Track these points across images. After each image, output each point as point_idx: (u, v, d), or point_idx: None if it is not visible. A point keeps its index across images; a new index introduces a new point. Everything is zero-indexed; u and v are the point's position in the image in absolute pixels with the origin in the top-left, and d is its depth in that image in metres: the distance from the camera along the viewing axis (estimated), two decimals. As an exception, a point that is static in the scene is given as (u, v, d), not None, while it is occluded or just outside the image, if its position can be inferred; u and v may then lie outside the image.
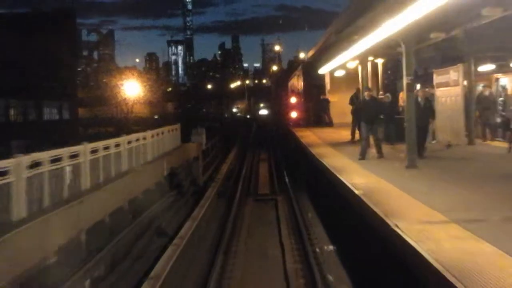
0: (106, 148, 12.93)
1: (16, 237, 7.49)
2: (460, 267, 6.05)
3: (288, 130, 39.19)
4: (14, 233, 7.45)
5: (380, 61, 25.73)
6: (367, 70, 25.27)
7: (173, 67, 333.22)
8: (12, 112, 53.12)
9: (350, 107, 23.47)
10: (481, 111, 19.81)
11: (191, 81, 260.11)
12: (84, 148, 11.29)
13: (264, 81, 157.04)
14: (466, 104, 18.64)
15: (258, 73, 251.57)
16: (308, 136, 28.14)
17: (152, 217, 14.69)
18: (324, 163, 16.40)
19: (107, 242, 11.14)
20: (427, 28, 15.25)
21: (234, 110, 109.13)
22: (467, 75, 19.16)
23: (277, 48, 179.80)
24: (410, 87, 14.86)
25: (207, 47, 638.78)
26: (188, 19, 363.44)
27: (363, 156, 16.41)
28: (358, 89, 24.29)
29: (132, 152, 15.23)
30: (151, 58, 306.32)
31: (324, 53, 29.79)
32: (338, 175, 13.69)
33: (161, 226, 14.98)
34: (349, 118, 23.17)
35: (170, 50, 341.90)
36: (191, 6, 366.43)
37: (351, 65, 25.91)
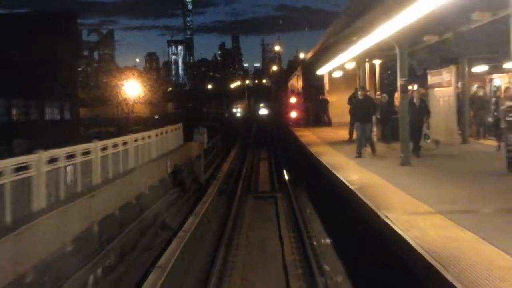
0: (115, 146, 13.63)
1: (38, 225, 8.18)
2: (441, 251, 6.73)
3: (288, 130, 39.82)
4: (36, 222, 8.14)
5: (377, 62, 26.38)
6: (365, 71, 25.94)
7: (173, 67, 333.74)
8: (14, 112, 53.68)
9: (348, 107, 24.09)
10: (475, 111, 20.45)
11: (191, 81, 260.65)
12: (95, 146, 12.00)
13: (264, 81, 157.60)
14: (459, 104, 19.30)
15: (258, 73, 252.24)
16: (307, 135, 28.82)
17: (157, 212, 15.39)
18: (322, 161, 17.08)
19: (117, 234, 11.84)
20: (420, 31, 15.88)
21: (234, 110, 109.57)
22: (460, 76, 19.84)
23: (277, 48, 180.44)
24: (404, 88, 15.55)
25: (207, 47, 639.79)
26: (188, 19, 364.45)
27: (359, 154, 17.08)
28: (356, 89, 24.90)
29: (138, 150, 15.93)
30: (151, 58, 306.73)
31: (323, 54, 30.43)
32: (334, 172, 14.38)
33: (166, 220, 15.68)
34: (347, 118, 23.75)
35: (170, 50, 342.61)
36: (191, 6, 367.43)
37: (349, 66, 26.54)
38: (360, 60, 24.05)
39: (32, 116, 55.81)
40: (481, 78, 22.45)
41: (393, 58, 25.93)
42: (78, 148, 11.06)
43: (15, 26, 53.71)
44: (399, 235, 7.81)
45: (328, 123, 34.71)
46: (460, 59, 20.00)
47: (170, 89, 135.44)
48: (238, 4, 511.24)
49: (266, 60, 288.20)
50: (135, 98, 58.66)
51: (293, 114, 44.85)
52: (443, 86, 19.27)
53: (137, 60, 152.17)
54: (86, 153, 11.47)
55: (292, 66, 78.22)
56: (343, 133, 24.45)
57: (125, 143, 14.55)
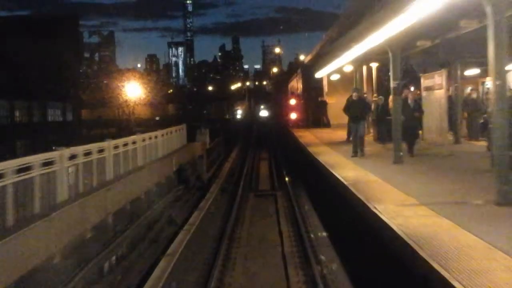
0: (125, 145, 14.59)
1: (64, 213, 9.13)
2: (419, 235, 7.68)
3: (288, 131, 40.72)
4: (62, 210, 9.09)
5: (374, 65, 27.29)
6: (362, 74, 26.91)
7: (174, 68, 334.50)
8: (17, 113, 54.43)
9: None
10: (469, 113, 21.35)
11: (191, 82, 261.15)
12: (109, 144, 12.96)
13: (264, 82, 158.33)
14: (450, 106, 20.23)
15: (259, 75, 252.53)
16: (307, 136, 29.77)
17: (164, 207, 16.35)
18: (320, 160, 18.04)
19: (129, 225, 12.80)
20: (412, 37, 16.79)
21: (235, 112, 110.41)
22: (453, 79, 20.77)
23: (277, 50, 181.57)
24: (397, 91, 16.49)
25: (208, 49, 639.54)
26: (188, 20, 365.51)
27: (355, 153, 18.01)
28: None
29: (146, 149, 16.89)
30: (151, 59, 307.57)
31: (321, 58, 31.36)
32: (331, 170, 15.34)
33: (172, 215, 16.63)
34: (345, 119, 24.60)
35: (170, 51, 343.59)
36: (191, 8, 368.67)
37: (347, 68, 27.45)
38: (357, 63, 25.00)
39: (35, 117, 56.57)
40: (474, 81, 23.40)
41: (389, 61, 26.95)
42: (94, 146, 12.03)
43: (18, 29, 54.39)
44: (385, 223, 8.76)
45: (327, 125, 35.58)
46: (452, 63, 20.91)
47: (171, 90, 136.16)
48: (238, 5, 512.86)
49: (267, 62, 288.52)
50: (136, 100, 59.01)
51: (293, 116, 45.75)
52: (435, 89, 20.20)
53: (139, 65, 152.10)
54: (100, 151, 12.43)
55: (293, 68, 78.99)
56: (341, 134, 25.32)
57: (134, 143, 15.51)
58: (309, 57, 44.26)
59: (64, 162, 9.97)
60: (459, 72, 21.26)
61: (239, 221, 17.65)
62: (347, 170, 14.99)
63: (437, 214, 8.98)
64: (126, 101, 59.40)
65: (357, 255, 11.18)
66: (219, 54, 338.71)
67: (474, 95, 22.08)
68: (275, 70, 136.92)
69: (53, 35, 54.84)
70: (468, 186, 11.56)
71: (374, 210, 9.64)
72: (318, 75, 35.21)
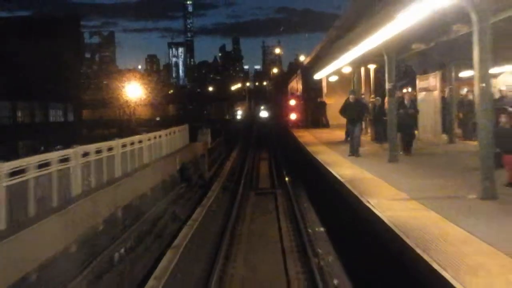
0: (132, 144, 15.29)
1: (77, 208, 9.82)
2: (407, 225, 8.37)
3: (288, 131, 41.39)
4: (75, 205, 9.78)
5: (372, 67, 27.96)
6: (360, 76, 27.60)
7: (174, 69, 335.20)
8: (19, 113, 54.99)
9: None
10: (464, 113, 21.99)
11: (191, 83, 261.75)
12: (117, 143, 13.66)
13: (264, 83, 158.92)
14: (445, 107, 20.92)
15: (259, 75, 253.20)
16: (306, 136, 30.48)
17: (168, 202, 17.06)
18: (318, 159, 18.75)
19: (137, 219, 13.51)
20: (406, 40, 17.44)
21: (235, 112, 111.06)
22: (448, 80, 21.45)
23: (277, 51, 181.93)
24: (391, 93, 17.18)
25: (208, 49, 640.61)
26: (189, 21, 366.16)
27: (352, 152, 18.68)
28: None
29: (151, 148, 17.60)
30: (151, 60, 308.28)
31: (320, 59, 32.05)
32: (328, 168, 16.03)
33: (175, 211, 17.34)
34: (344, 120, 25.18)
35: (171, 52, 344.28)
36: (192, 9, 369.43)
37: (346, 70, 28.14)
38: (355, 65, 25.69)
39: (37, 117, 57.14)
40: (469, 83, 24.04)
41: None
42: (104, 144, 12.74)
43: (20, 29, 54.89)
44: (377, 215, 9.45)
45: (326, 125, 36.24)
46: (447, 65, 21.58)
47: (172, 91, 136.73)
48: (238, 6, 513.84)
49: (267, 62, 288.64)
50: (136, 100, 59.41)
51: (293, 116, 46.44)
52: (429, 90, 20.89)
53: (139, 67, 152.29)
54: (109, 149, 13.12)
55: (292, 68, 79.57)
56: (340, 134, 25.98)
57: (140, 142, 16.22)
58: (308, 59, 44.99)
59: (78, 159, 10.66)
60: (453, 74, 21.93)
61: (240, 217, 18.31)
62: (344, 168, 15.67)
63: (425, 207, 9.66)
64: (126, 101, 59.77)
65: (352, 246, 11.86)
66: (219, 54, 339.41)
67: (471, 96, 22.70)
68: (275, 70, 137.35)
69: (54, 35, 55.21)
70: (457, 182, 12.22)
71: (368, 205, 10.33)
72: (317, 76, 35.91)
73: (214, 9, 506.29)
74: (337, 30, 23.41)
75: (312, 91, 42.22)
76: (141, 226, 13.61)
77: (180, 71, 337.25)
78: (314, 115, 40.12)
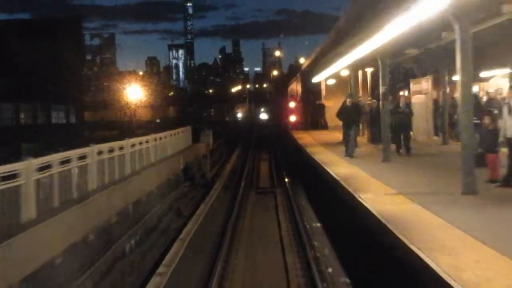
0: (140, 143, 16.28)
1: (94, 201, 10.77)
2: (393, 216, 9.31)
3: (287, 133, 42.33)
4: (92, 198, 10.73)
5: (369, 70, 28.89)
6: (357, 79, 28.55)
7: (174, 71, 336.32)
8: (22, 115, 55.79)
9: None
10: (459, 115, 22.84)
11: (191, 85, 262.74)
12: (127, 143, 14.64)
13: (265, 85, 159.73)
14: (436, 109, 21.87)
15: (259, 77, 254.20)
16: (305, 137, 31.46)
17: (174, 200, 18.04)
18: (316, 159, 19.72)
19: (145, 214, 14.49)
20: (400, 46, 18.36)
21: (235, 114, 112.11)
22: (442, 84, 22.40)
23: (277, 53, 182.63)
24: (385, 96, 18.12)
25: (208, 51, 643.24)
26: (189, 23, 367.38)
27: (347, 153, 19.60)
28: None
29: (157, 148, 18.59)
30: (152, 62, 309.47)
31: (319, 63, 32.99)
32: (325, 167, 17.00)
33: (180, 208, 18.33)
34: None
35: (171, 54, 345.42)
36: (192, 11, 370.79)
37: (344, 73, 29.08)
38: (352, 69, 26.65)
39: (39, 119, 57.95)
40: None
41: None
42: (117, 144, 13.72)
43: (22, 32, 55.64)
44: (367, 208, 10.40)
45: (325, 127, 37.23)
46: (440, 70, 22.50)
47: (172, 93, 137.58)
48: (238, 8, 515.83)
49: (267, 64, 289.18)
50: (137, 102, 60.03)
51: (292, 118, 47.45)
52: (422, 93, 21.85)
53: (140, 72, 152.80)
54: (120, 148, 14.10)
55: (292, 71, 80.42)
56: (338, 136, 26.79)
57: (147, 142, 17.21)
58: (307, 62, 45.94)
59: (94, 157, 11.63)
60: (447, 77, 22.86)
61: (242, 214, 19.24)
62: (340, 168, 16.62)
63: (411, 201, 10.62)
64: (127, 103, 60.34)
65: (346, 237, 12.81)
66: (220, 56, 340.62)
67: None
68: (275, 72, 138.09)
69: (56, 37, 55.98)
70: (444, 180, 13.13)
71: (359, 199, 11.28)
72: (316, 79, 36.86)
73: (214, 11, 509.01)
74: (335, 34, 24.32)
75: (311, 93, 43.26)
76: (150, 220, 14.60)
77: (180, 73, 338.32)
78: (313, 117, 41.13)
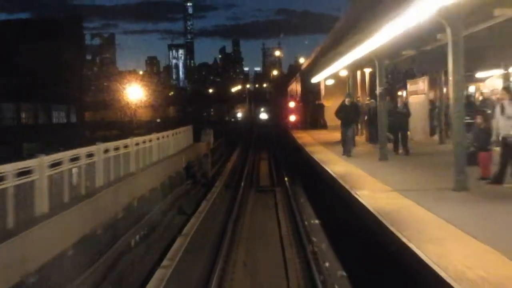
0: (143, 142, 16.76)
1: (101, 196, 11.27)
2: (386, 210, 9.78)
3: (287, 132, 42.76)
4: (99, 195, 11.22)
5: (367, 70, 29.34)
6: (355, 79, 29.02)
7: (174, 71, 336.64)
8: (23, 115, 56.23)
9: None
10: (450, 115, 23.30)
11: (191, 85, 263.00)
12: (131, 141, 15.13)
13: (265, 85, 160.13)
14: (434, 110, 22.32)
15: (259, 77, 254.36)
16: (304, 137, 31.91)
17: (176, 196, 18.54)
18: (315, 157, 20.18)
19: (149, 209, 14.99)
20: (396, 47, 18.83)
21: (235, 114, 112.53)
22: (438, 84, 22.84)
23: (277, 53, 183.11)
24: (382, 96, 18.56)
25: (208, 51, 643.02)
26: (189, 23, 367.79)
27: (345, 152, 20.04)
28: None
29: (160, 146, 19.08)
30: (151, 62, 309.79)
31: (318, 63, 33.45)
32: (323, 166, 17.46)
33: (182, 205, 18.84)
34: (341, 121, 26.56)
35: (171, 54, 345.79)
36: (192, 10, 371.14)
37: (343, 73, 29.52)
38: (350, 69, 27.12)
39: (40, 119, 58.40)
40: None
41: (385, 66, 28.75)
42: (121, 142, 14.22)
43: (23, 32, 56.07)
44: (362, 204, 10.87)
45: (324, 126, 37.69)
46: (437, 70, 22.94)
47: (172, 93, 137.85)
48: (238, 8, 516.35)
49: (267, 64, 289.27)
50: (137, 102, 60.33)
51: (292, 118, 47.90)
52: (418, 94, 22.31)
53: (140, 72, 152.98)
54: (125, 147, 14.59)
55: (292, 71, 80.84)
56: (336, 135, 27.11)
57: (150, 141, 17.70)
58: (307, 62, 46.40)
59: (101, 155, 12.11)
60: (443, 78, 23.29)
61: (242, 211, 19.72)
62: (338, 166, 17.08)
63: (405, 197, 11.08)
64: (127, 103, 60.67)
65: (343, 230, 13.28)
66: (220, 56, 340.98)
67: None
68: (275, 72, 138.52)
69: (56, 37, 56.36)
70: (438, 178, 13.50)
71: (355, 196, 11.75)
72: (315, 79, 37.30)
73: (214, 11, 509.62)
74: (335, 35, 24.77)
75: (311, 93, 43.72)
76: (154, 215, 15.09)
77: (180, 73, 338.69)
78: (313, 116, 41.62)
